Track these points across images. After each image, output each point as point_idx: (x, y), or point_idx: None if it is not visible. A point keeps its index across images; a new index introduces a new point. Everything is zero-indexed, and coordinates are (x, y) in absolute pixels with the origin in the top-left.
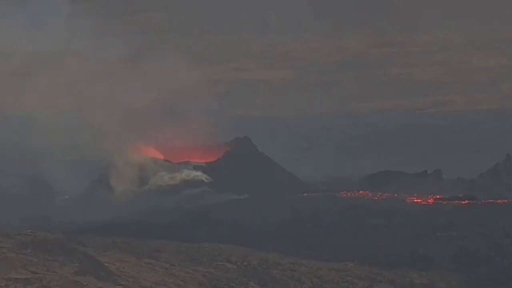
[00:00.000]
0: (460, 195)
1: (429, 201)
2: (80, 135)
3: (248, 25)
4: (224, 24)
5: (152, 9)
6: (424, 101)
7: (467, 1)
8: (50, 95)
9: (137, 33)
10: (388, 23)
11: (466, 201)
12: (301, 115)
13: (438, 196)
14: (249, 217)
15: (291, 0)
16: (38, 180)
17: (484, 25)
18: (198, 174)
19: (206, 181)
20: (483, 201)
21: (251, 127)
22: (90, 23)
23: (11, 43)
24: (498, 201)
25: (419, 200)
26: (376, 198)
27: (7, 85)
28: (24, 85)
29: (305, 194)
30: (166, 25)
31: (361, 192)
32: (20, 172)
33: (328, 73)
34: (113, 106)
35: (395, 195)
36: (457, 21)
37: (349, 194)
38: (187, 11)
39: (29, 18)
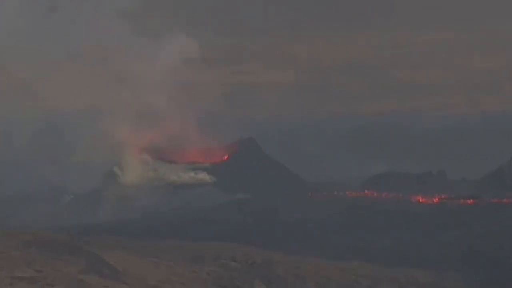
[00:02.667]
0: (464, 196)
1: (434, 201)
2: (87, 136)
3: (251, 26)
4: (226, 25)
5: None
6: (428, 102)
7: (471, 3)
8: (58, 96)
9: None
10: (391, 25)
11: (470, 201)
12: (305, 116)
13: (442, 196)
14: (253, 217)
15: (294, 1)
16: (45, 180)
17: (488, 27)
18: (203, 174)
19: (210, 181)
20: (487, 201)
21: (255, 128)
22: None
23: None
24: (502, 201)
25: (423, 200)
26: (381, 199)
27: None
28: (32, 87)
29: (309, 194)
30: (167, 27)
31: (365, 192)
32: (26, 172)
33: (332, 75)
34: (120, 107)
35: (400, 195)
36: (460, 23)
37: (354, 194)
38: (189, 13)
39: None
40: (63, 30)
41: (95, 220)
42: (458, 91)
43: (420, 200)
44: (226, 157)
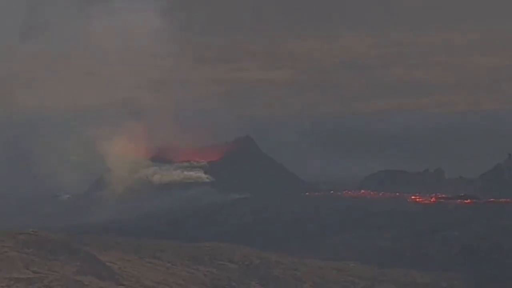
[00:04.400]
0: (462, 195)
1: (431, 200)
2: (82, 136)
3: (249, 25)
4: (225, 24)
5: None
6: (426, 102)
7: (471, 3)
8: (52, 96)
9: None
10: (390, 24)
11: (468, 201)
12: (302, 115)
13: (439, 195)
14: (250, 216)
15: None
16: (40, 179)
17: (486, 25)
18: (200, 173)
19: (207, 180)
20: (485, 200)
21: (253, 127)
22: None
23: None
24: (500, 201)
25: (420, 200)
26: (378, 198)
27: (9, 87)
28: (26, 86)
29: (307, 194)
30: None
31: (362, 191)
32: (22, 172)
33: (330, 73)
34: (115, 106)
35: (397, 194)
36: (459, 21)
37: (351, 194)
38: (188, 11)
39: None
40: (47, 28)
41: (91, 220)
42: (458, 90)
43: (418, 200)
44: (223, 155)
